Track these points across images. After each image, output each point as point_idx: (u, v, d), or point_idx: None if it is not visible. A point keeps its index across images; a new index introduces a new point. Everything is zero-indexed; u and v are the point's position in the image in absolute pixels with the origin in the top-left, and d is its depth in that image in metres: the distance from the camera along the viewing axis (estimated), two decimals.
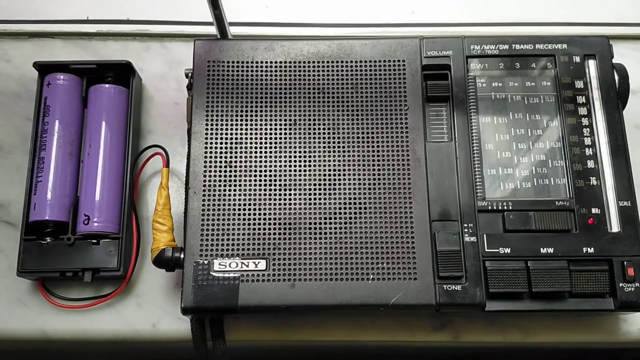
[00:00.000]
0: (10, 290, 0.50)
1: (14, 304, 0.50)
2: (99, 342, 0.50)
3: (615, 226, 0.47)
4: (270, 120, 0.49)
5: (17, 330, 0.50)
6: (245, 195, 0.47)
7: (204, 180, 0.47)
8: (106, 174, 0.50)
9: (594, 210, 0.47)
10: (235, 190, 0.47)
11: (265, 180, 0.47)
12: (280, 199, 0.47)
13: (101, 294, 0.50)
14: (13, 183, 0.53)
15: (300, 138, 0.48)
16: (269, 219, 0.46)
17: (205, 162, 0.48)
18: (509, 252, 0.46)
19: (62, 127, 0.51)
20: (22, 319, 0.50)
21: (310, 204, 0.47)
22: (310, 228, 0.46)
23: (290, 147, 0.48)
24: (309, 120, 0.49)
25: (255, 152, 0.48)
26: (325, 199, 0.47)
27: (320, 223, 0.46)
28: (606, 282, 0.45)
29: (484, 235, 0.46)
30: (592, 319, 0.50)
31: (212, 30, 0.52)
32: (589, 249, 0.46)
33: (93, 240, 0.49)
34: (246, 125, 0.49)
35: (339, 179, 0.47)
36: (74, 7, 0.59)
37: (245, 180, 0.47)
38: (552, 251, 0.46)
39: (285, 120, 0.49)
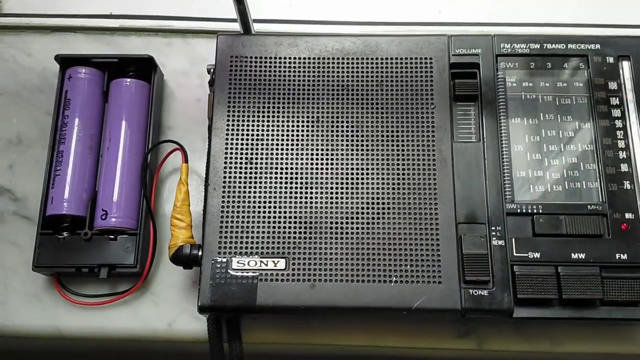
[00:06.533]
0: (26, 286, 0.50)
1: (28, 300, 0.49)
2: (113, 340, 0.49)
3: None
4: (293, 117, 0.48)
5: (32, 326, 0.49)
6: (265, 192, 0.46)
7: (224, 177, 0.46)
8: (125, 169, 0.49)
9: (628, 215, 0.45)
10: (255, 187, 0.46)
11: (286, 178, 0.46)
12: (301, 197, 0.46)
13: (117, 291, 0.49)
14: (32, 177, 0.52)
15: (323, 136, 0.47)
16: (290, 217, 0.45)
17: (226, 158, 0.47)
18: (538, 257, 0.44)
19: (82, 121, 0.50)
20: (37, 314, 0.49)
21: (332, 203, 0.46)
22: (331, 227, 0.45)
23: (312, 145, 0.47)
24: (332, 117, 0.48)
25: (277, 149, 0.47)
26: (347, 198, 0.46)
27: (342, 223, 0.45)
28: None
29: (513, 239, 0.45)
30: (624, 329, 0.48)
31: (235, 27, 0.51)
32: (622, 255, 0.44)
33: (110, 236, 0.48)
34: (268, 121, 0.48)
35: (362, 178, 0.46)
36: (98, 2, 0.59)
37: (266, 178, 0.46)
38: (583, 257, 0.44)
39: (307, 117, 0.48)
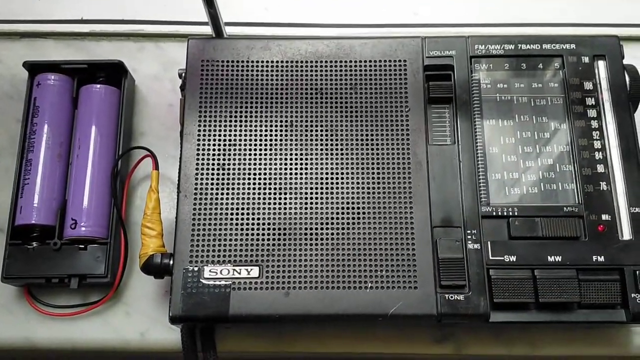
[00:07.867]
0: None
1: None
2: (85, 351, 0.48)
3: (626, 233, 0.44)
4: (266, 121, 0.47)
5: (2, 337, 0.48)
6: (238, 199, 0.45)
7: (196, 184, 0.45)
8: (95, 177, 0.48)
9: (604, 217, 0.45)
10: (228, 193, 0.45)
11: (259, 184, 0.45)
12: (275, 203, 0.45)
13: (88, 301, 0.48)
14: (1, 186, 0.51)
15: (296, 140, 0.47)
16: (263, 224, 0.44)
17: (197, 164, 0.46)
18: (514, 260, 0.44)
19: (51, 128, 0.49)
20: (7, 326, 0.48)
21: (306, 208, 0.45)
22: (306, 234, 0.44)
23: (286, 150, 0.46)
24: (306, 121, 0.47)
25: (250, 155, 0.46)
26: (322, 203, 0.45)
27: (316, 228, 0.44)
28: (617, 292, 0.43)
29: (488, 242, 0.44)
30: (602, 332, 0.47)
31: (208, 30, 0.50)
32: (599, 257, 0.44)
33: (80, 246, 0.47)
34: (240, 126, 0.47)
35: (337, 183, 0.46)
36: (69, 7, 0.58)
37: (238, 184, 0.45)
38: (560, 259, 0.44)
39: (281, 121, 0.47)
